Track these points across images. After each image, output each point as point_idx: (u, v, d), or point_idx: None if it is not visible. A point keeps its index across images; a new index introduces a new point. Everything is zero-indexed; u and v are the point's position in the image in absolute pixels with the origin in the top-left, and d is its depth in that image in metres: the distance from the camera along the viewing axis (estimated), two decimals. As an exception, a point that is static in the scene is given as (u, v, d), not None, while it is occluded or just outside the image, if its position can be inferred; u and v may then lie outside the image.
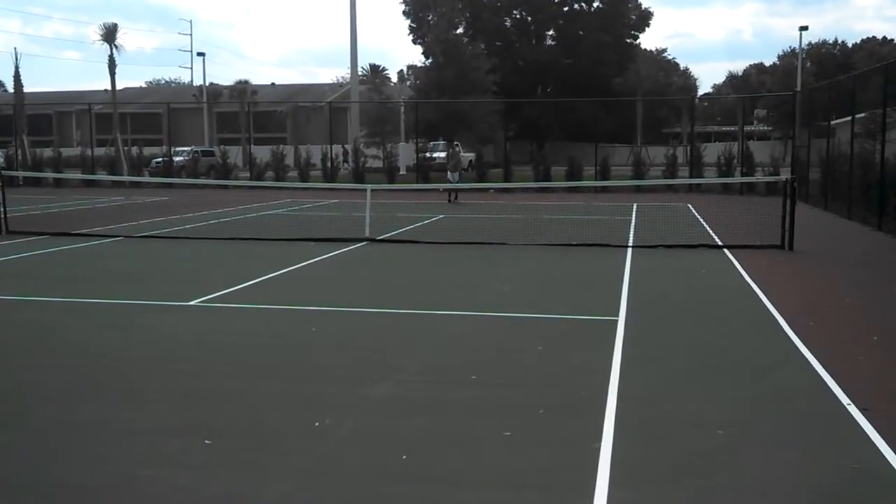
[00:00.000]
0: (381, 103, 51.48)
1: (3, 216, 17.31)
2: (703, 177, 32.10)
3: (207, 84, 70.21)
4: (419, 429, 5.66)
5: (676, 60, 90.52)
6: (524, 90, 66.15)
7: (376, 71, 62.38)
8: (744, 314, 9.38)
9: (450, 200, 27.12)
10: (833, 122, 24.07)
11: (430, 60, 56.40)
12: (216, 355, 7.66)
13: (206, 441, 5.34)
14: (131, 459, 5.08)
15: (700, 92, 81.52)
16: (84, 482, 4.79)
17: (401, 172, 40.04)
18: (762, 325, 8.77)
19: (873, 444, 5.27)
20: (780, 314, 9.12)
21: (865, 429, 5.52)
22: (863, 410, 5.84)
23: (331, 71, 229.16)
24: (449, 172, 28.95)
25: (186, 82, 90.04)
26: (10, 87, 52.72)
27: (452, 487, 4.72)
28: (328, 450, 5.26)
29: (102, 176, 37.26)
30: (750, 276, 11.70)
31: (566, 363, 7.31)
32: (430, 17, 65.54)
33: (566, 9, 75.00)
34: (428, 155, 38.02)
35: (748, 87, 72.42)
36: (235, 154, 43.07)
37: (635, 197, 28.79)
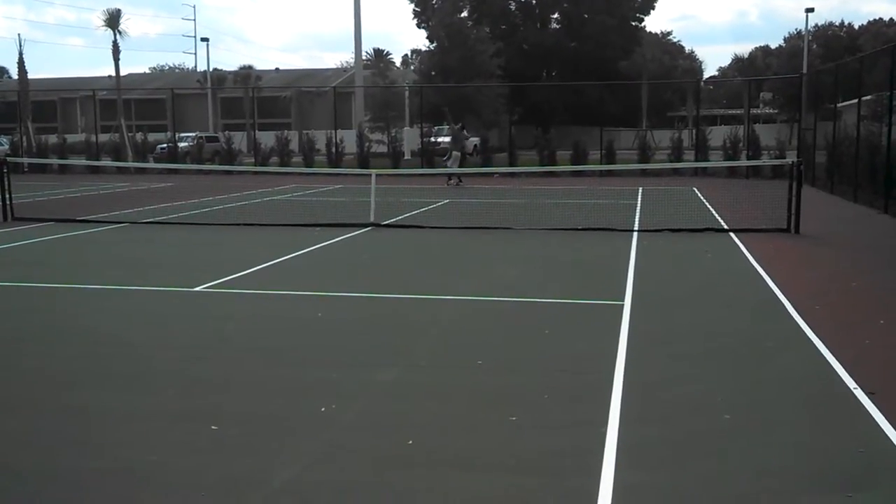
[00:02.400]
0: (385, 88, 51.42)
1: (8, 203, 17.33)
2: (708, 160, 32.00)
3: (211, 70, 70.13)
4: (425, 413, 5.66)
5: (682, 43, 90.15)
6: (529, 74, 65.85)
7: (380, 55, 62.25)
8: (750, 298, 9.36)
9: (456, 183, 27.09)
10: (839, 105, 23.95)
11: (434, 44, 56.24)
12: (221, 341, 7.67)
13: (213, 426, 5.35)
14: (137, 445, 5.09)
15: (706, 75, 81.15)
16: (90, 467, 4.80)
17: (406, 157, 39.98)
18: (768, 308, 8.75)
19: (880, 428, 5.26)
20: (787, 298, 9.10)
21: (872, 413, 5.51)
22: (869, 394, 5.83)
23: (335, 56, 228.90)
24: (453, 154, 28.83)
25: (190, 68, 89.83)
26: (15, 74, 52.67)
27: (459, 472, 4.73)
28: (334, 435, 5.26)
29: (107, 162, 37.26)
30: (756, 260, 11.67)
31: (572, 347, 7.30)
32: (434, 1, 65.36)
33: (571, -8, 74.57)
34: (433, 139, 37.92)
35: (754, 69, 71.99)
36: (240, 139, 43.06)
37: (641, 181, 28.72)
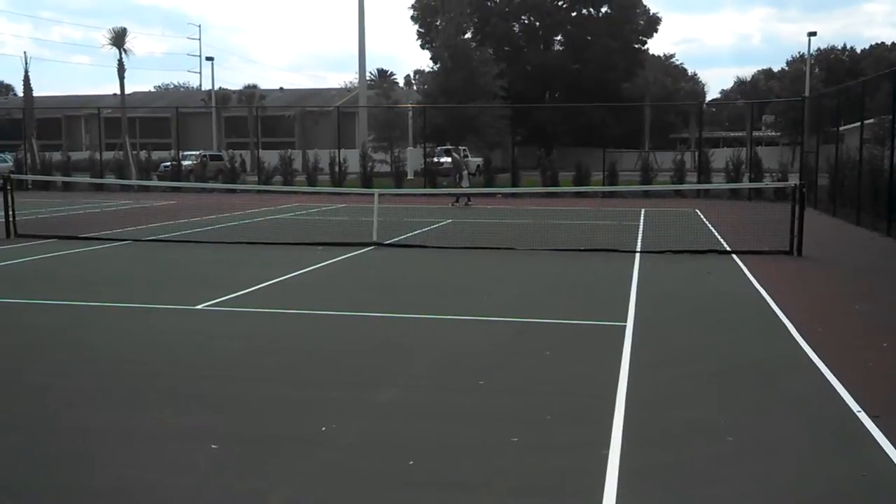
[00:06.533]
0: (388, 108, 51.62)
1: (12, 219, 17.35)
2: (711, 182, 32.04)
3: (216, 88, 70.44)
4: (426, 434, 5.64)
5: (685, 66, 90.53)
6: (532, 95, 66.15)
7: (384, 75, 62.51)
8: (752, 320, 9.34)
9: (465, 204, 27.12)
10: (842, 128, 24.01)
11: (438, 65, 56.54)
12: (223, 359, 7.65)
13: (213, 445, 5.33)
14: (136, 463, 5.07)
15: (708, 97, 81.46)
16: (89, 486, 4.78)
17: (408, 177, 40.07)
18: (771, 330, 8.72)
19: (884, 451, 5.23)
20: (789, 320, 9.08)
21: (876, 436, 5.48)
22: (873, 417, 5.80)
23: (339, 75, 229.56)
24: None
25: (195, 86, 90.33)
26: (20, 91, 52.95)
27: (460, 493, 4.70)
28: (335, 454, 5.24)
29: (111, 180, 37.33)
30: (758, 282, 11.66)
31: (574, 368, 7.28)
32: (438, 22, 65.70)
33: (574, 14, 75.06)
34: (435, 160, 38.04)
35: (756, 92, 72.31)
36: (244, 158, 43.15)
37: (643, 202, 28.74)
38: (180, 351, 7.98)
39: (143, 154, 42.46)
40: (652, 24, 76.26)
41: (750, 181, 30.29)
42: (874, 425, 5.66)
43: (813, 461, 5.16)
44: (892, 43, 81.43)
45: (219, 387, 6.74)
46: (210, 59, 70.28)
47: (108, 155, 43.28)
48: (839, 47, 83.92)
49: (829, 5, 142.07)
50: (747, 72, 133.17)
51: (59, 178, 36.48)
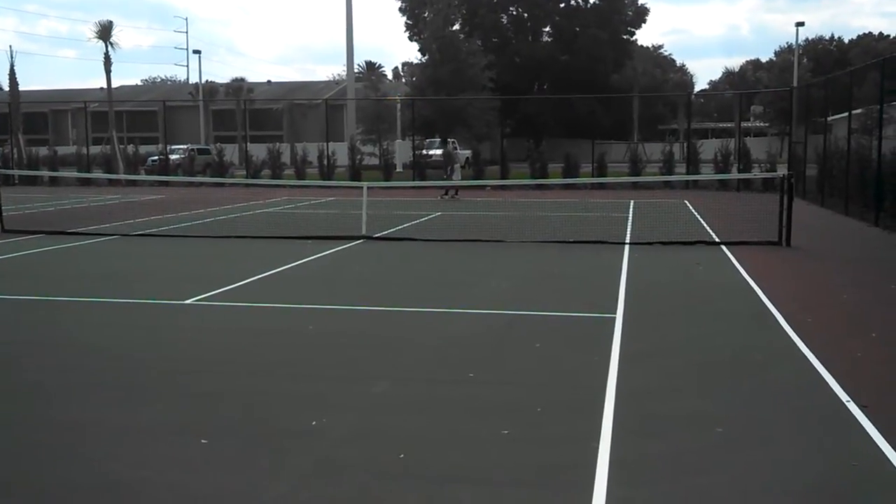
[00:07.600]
0: (377, 100, 51.49)
1: (-2, 215, 17.26)
2: (699, 173, 32.10)
3: (203, 82, 70.16)
4: (417, 427, 5.63)
5: (673, 57, 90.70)
6: (521, 87, 66.07)
7: (372, 68, 62.34)
8: (741, 310, 9.36)
9: (452, 196, 27.09)
10: (830, 119, 24.07)
11: (426, 57, 56.41)
12: (212, 354, 7.62)
13: (203, 441, 5.31)
14: (127, 459, 5.04)
15: (697, 88, 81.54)
16: (79, 482, 4.76)
17: (397, 170, 39.99)
18: (760, 321, 8.75)
19: (873, 441, 5.25)
20: (778, 310, 9.11)
21: (865, 426, 5.50)
22: (862, 407, 5.82)
23: (327, 68, 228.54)
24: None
25: (182, 80, 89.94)
26: (6, 86, 52.60)
27: (450, 485, 4.70)
28: (326, 448, 5.23)
29: (98, 174, 37.22)
30: (747, 273, 11.69)
31: (564, 360, 7.28)
32: (426, 14, 65.50)
33: (563, 5, 74.91)
34: (424, 152, 37.99)
35: (745, 83, 72.40)
36: (231, 152, 43.02)
37: (632, 193, 28.78)
38: (169, 346, 7.94)
39: (130, 148, 42.27)
40: (640, 14, 76.20)
41: (738, 172, 30.37)
42: (863, 415, 5.68)
43: (802, 451, 5.18)
44: (880, 33, 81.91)
45: (208, 381, 6.71)
46: (197, 52, 70.49)
47: (95, 149, 43.10)
48: (827, 37, 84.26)
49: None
50: (735, 62, 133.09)
51: (45, 173, 36.31)
